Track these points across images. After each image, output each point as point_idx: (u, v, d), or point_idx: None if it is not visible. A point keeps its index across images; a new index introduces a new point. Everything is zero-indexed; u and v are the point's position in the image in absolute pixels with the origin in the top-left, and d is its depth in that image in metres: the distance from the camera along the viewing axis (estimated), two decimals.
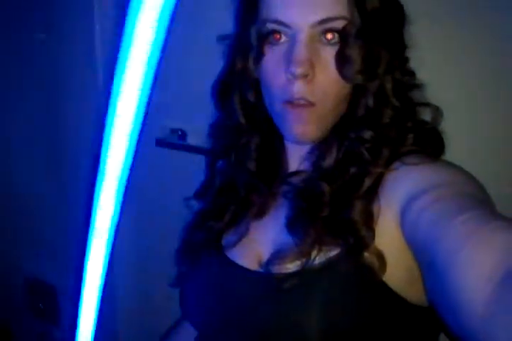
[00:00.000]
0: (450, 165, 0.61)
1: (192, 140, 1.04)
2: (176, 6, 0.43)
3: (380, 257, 0.58)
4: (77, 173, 1.20)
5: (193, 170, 0.83)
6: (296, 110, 0.62)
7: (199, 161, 0.83)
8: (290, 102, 0.62)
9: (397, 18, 0.64)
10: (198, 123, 1.01)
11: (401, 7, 0.64)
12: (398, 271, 0.58)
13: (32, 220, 1.32)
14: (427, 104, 0.66)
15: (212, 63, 0.93)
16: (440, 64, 0.77)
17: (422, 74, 0.67)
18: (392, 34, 0.63)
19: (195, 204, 0.82)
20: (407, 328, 0.60)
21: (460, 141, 0.67)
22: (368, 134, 0.62)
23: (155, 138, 1.05)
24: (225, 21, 0.78)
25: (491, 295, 0.40)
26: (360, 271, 0.58)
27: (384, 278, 0.58)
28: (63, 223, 1.26)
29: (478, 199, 0.53)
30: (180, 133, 1.04)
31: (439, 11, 0.76)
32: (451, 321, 0.47)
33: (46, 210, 1.28)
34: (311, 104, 0.61)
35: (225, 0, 0.72)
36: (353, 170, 0.62)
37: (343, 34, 0.60)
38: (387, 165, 0.62)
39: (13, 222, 1.34)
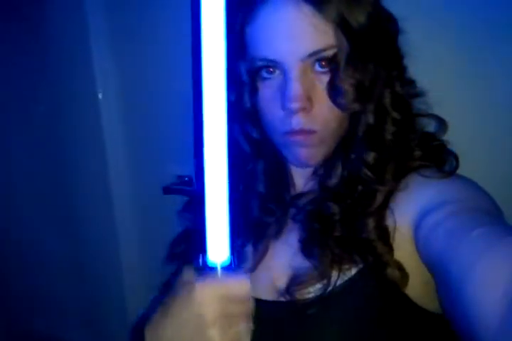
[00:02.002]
0: (463, 179, 0.60)
1: None
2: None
3: (402, 270, 0.57)
4: (88, 229, 1.22)
5: None
6: (298, 137, 0.62)
7: None
8: (292, 132, 0.61)
9: (389, 30, 0.62)
10: None
11: (391, 17, 0.63)
12: (417, 283, 0.57)
13: (42, 277, 1.32)
14: (430, 115, 0.65)
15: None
16: (442, 68, 0.78)
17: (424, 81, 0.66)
18: (386, 48, 0.62)
19: None
20: (426, 336, 0.60)
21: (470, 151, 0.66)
22: (370, 156, 0.61)
23: (161, 186, 1.07)
24: None
25: (506, 311, 0.39)
26: (383, 286, 0.58)
27: (406, 291, 0.57)
28: (74, 279, 1.27)
29: (491, 214, 0.53)
30: (187, 179, 1.06)
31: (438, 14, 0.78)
32: (465, 334, 0.46)
33: (57, 266, 1.29)
34: (313, 132, 0.61)
35: None
36: (360, 188, 0.62)
37: (333, 62, 0.59)
38: (397, 179, 0.61)
39: (28, 283, 1.34)
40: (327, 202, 0.63)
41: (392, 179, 0.61)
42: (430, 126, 0.66)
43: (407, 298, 0.57)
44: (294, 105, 0.58)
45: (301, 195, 0.68)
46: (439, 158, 0.63)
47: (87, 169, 1.20)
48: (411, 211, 0.57)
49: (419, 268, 0.56)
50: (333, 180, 0.64)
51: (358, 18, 0.58)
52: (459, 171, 0.62)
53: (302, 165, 0.67)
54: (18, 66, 1.24)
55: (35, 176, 1.29)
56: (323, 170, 0.66)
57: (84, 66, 1.13)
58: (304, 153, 0.63)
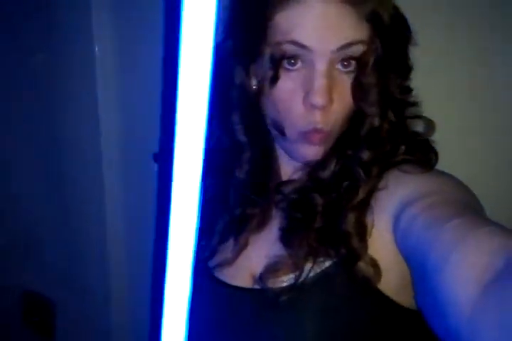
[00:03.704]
0: (441, 173, 0.62)
1: None
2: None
3: (375, 266, 0.58)
4: (75, 187, 1.22)
5: None
6: (317, 136, 0.61)
7: None
8: (310, 130, 0.61)
9: (406, 36, 0.62)
10: None
11: (407, 24, 0.62)
12: (392, 278, 0.58)
13: (29, 233, 1.33)
14: (420, 117, 0.66)
15: None
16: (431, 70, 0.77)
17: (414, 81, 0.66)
18: (402, 54, 0.63)
19: None
20: (399, 332, 0.61)
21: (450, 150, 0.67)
22: (366, 155, 0.62)
23: (152, 152, 1.04)
24: None
25: (479, 296, 0.40)
26: (355, 281, 0.59)
27: (379, 286, 0.58)
28: (60, 235, 1.28)
29: (469, 206, 0.54)
30: None
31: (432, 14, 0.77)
32: (438, 324, 0.48)
33: (44, 223, 1.29)
34: (327, 132, 0.61)
35: None
36: (345, 183, 0.62)
37: (361, 62, 0.58)
38: (380, 176, 0.62)
39: (10, 234, 1.35)
40: (312, 192, 0.63)
41: (377, 176, 0.62)
42: (418, 127, 0.68)
43: (379, 293, 0.58)
44: (320, 101, 0.58)
45: (288, 182, 0.68)
46: (420, 153, 0.64)
47: (77, 126, 1.19)
48: (390, 207, 0.58)
49: (396, 264, 0.57)
50: (326, 173, 0.64)
51: (386, 18, 0.58)
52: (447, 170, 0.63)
53: (304, 160, 0.66)
54: (17, 16, 1.21)
55: (25, 127, 1.27)
56: (316, 162, 0.66)
57: (83, 20, 1.09)
58: (312, 150, 0.63)
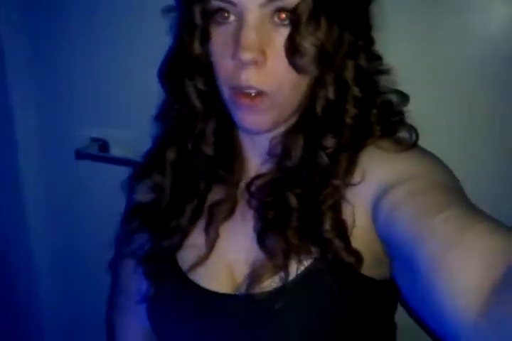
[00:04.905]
0: (420, 152, 0.59)
1: (115, 151, 0.99)
2: None
3: (357, 255, 0.57)
4: None
5: (117, 183, 0.78)
6: (246, 99, 0.56)
7: (123, 174, 0.76)
8: (239, 90, 0.56)
9: None
10: (121, 131, 0.98)
11: None
12: (369, 258, 0.58)
13: None
14: (393, 92, 0.62)
15: (140, 65, 0.88)
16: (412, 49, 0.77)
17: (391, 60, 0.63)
18: (354, 14, 0.57)
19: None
20: (375, 305, 0.61)
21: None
22: (329, 141, 0.58)
23: (74, 149, 0.98)
24: None
25: (481, 305, 0.38)
26: (339, 272, 0.57)
27: (361, 271, 0.58)
28: None
29: (453, 192, 0.52)
30: (102, 143, 0.98)
31: None
32: (437, 326, 0.45)
33: None
34: (263, 93, 0.55)
35: None
36: (318, 174, 0.59)
37: (295, 14, 0.53)
38: (353, 159, 0.59)
39: None
40: (285, 189, 0.60)
41: (349, 161, 0.58)
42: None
43: (363, 277, 0.58)
44: (245, 55, 0.53)
45: (257, 177, 0.64)
46: (397, 132, 0.61)
47: None
48: (369, 192, 0.56)
49: (372, 245, 0.57)
50: (293, 162, 0.60)
51: None
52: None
53: (249, 131, 0.61)
54: None
55: None
56: (280, 150, 0.62)
57: None
58: (250, 118, 0.58)
